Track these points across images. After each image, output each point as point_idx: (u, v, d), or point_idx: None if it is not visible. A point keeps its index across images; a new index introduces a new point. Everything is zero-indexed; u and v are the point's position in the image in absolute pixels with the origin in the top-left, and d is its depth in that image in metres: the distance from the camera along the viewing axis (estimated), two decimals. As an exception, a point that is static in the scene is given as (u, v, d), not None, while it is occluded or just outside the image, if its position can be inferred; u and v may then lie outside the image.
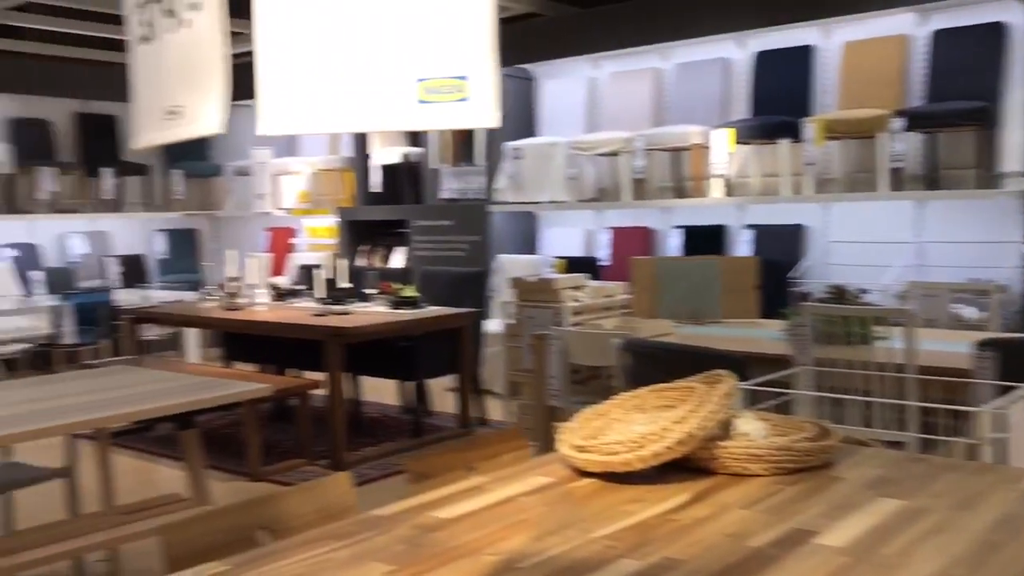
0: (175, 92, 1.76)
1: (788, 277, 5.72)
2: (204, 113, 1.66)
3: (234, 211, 9.24)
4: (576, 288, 4.35)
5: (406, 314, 5.15)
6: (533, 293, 4.36)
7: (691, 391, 1.93)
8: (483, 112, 1.63)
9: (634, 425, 1.96)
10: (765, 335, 3.79)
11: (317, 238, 8.75)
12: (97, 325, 6.75)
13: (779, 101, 6.19)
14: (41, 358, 6.79)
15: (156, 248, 9.39)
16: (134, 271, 8.77)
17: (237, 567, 1.42)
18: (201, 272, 8.17)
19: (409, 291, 5.37)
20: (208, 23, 1.75)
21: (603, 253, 6.89)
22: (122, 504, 2.80)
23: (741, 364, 2.77)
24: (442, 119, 1.68)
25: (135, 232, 9.33)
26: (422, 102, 1.58)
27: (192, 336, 7.09)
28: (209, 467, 4.84)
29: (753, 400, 2.48)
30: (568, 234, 7.25)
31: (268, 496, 1.66)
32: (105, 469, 3.29)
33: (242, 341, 6.00)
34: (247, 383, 3.00)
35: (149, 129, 1.94)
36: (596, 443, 1.84)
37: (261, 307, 5.68)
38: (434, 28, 1.60)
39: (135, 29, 2.02)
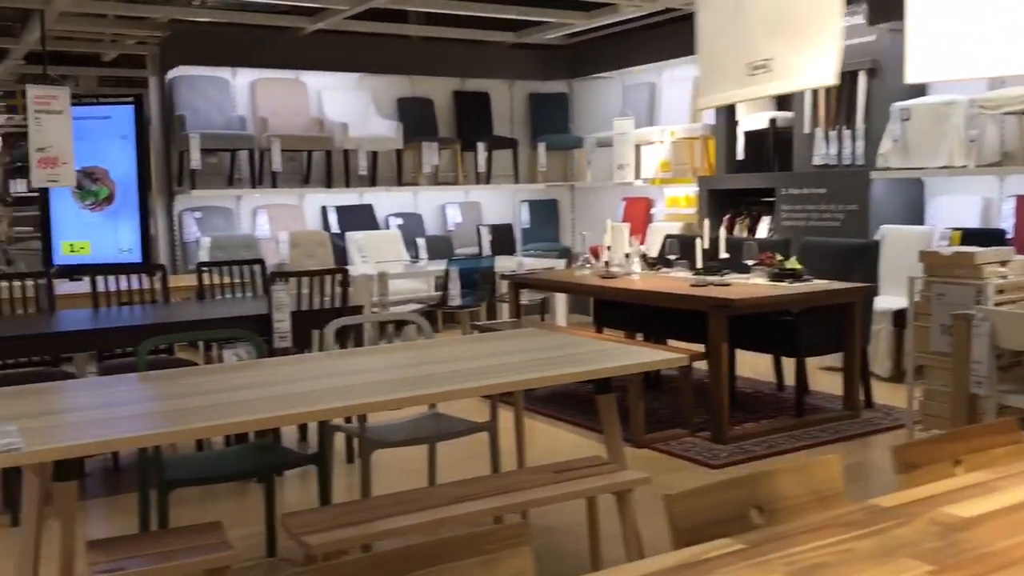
0: (763, 45, 1.70)
1: None
2: (801, 65, 1.59)
3: (593, 182, 9.45)
4: (1001, 264, 3.87)
5: (791, 287, 4.91)
6: (947, 268, 3.95)
7: None
8: None
9: None
10: None
11: (675, 208, 8.69)
12: (475, 289, 7.20)
13: None
14: (427, 318, 7.38)
15: (521, 218, 9.86)
16: (503, 239, 9.27)
17: (752, 546, 1.37)
18: (575, 241, 8.45)
19: (792, 263, 5.13)
20: None
21: (1006, 224, 6.13)
22: (544, 464, 2.90)
23: None
24: None
25: (503, 202, 9.87)
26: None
27: (561, 302, 7.35)
28: (592, 430, 4.99)
29: None
30: (961, 203, 6.54)
31: (761, 473, 1.60)
32: (520, 427, 3.46)
33: (611, 309, 6.10)
34: (662, 352, 2.98)
35: (724, 87, 1.92)
36: None
37: (634, 276, 5.72)
38: None
39: None
